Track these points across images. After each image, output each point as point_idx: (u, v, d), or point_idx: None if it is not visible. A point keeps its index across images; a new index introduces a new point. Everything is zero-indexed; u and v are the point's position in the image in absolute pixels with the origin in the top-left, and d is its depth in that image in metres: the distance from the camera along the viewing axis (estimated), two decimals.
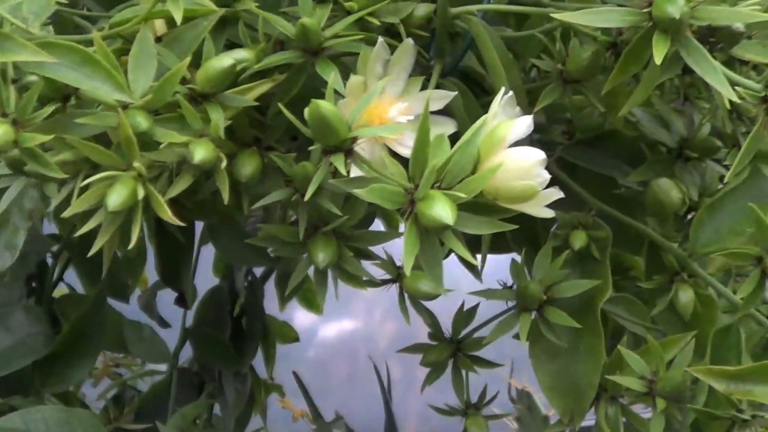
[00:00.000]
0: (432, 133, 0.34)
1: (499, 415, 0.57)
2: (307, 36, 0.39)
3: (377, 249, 0.44)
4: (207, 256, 0.77)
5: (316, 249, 0.41)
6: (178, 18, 0.37)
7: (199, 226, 0.64)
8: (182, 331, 0.71)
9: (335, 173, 0.35)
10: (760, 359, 0.54)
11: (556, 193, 0.37)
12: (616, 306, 0.50)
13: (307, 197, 0.36)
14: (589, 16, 0.36)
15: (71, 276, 0.72)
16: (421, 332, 0.52)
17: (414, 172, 0.34)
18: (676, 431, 0.46)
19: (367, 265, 0.44)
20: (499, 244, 0.52)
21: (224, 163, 0.38)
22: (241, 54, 0.40)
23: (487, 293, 0.47)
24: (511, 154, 0.35)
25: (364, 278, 0.43)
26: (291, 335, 0.89)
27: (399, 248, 0.34)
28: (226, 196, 0.38)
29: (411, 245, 0.34)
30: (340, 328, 1.29)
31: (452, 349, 0.52)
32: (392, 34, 0.42)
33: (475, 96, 0.46)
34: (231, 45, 0.42)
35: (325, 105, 0.34)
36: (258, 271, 0.76)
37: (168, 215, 0.36)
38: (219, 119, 0.38)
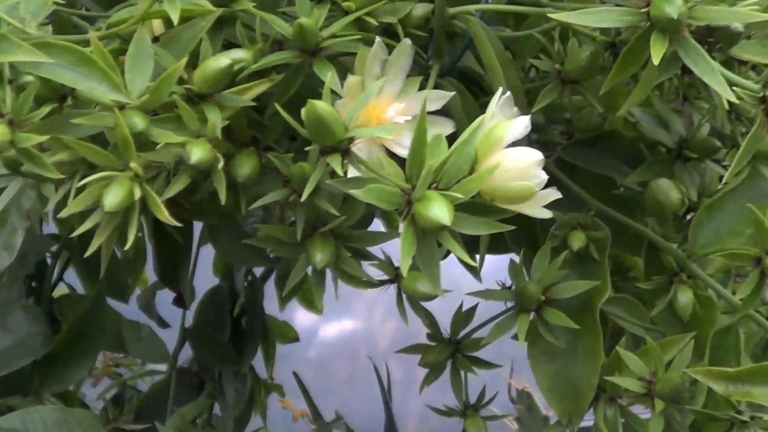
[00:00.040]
0: (430, 133, 0.34)
1: (499, 416, 0.57)
2: (305, 36, 0.39)
3: (375, 249, 0.44)
4: (207, 256, 0.77)
5: (314, 249, 0.41)
6: (175, 18, 0.37)
7: (198, 226, 0.63)
8: (181, 331, 0.71)
9: (333, 173, 0.35)
10: (760, 360, 0.54)
11: (554, 194, 0.37)
12: (615, 307, 0.50)
13: (303, 198, 0.36)
14: (586, 16, 0.36)
15: (72, 276, 0.72)
16: (421, 332, 0.52)
17: (411, 172, 0.34)
18: None
19: (366, 265, 0.44)
20: (497, 244, 0.52)
21: (221, 164, 0.38)
22: (238, 54, 0.39)
23: (486, 294, 0.47)
24: (509, 155, 0.35)
25: (363, 279, 0.43)
26: (291, 335, 0.89)
27: (397, 249, 0.34)
28: (223, 196, 0.38)
29: (408, 246, 0.33)
30: (340, 328, 1.29)
31: (451, 350, 0.51)
32: (390, 34, 0.42)
33: (474, 96, 0.46)
34: (229, 45, 0.42)
35: (321, 105, 0.33)
36: (258, 271, 0.76)
37: (165, 216, 0.36)
38: (216, 119, 0.38)
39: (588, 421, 0.48)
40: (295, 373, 0.91)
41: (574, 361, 0.47)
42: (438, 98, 0.42)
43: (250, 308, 0.76)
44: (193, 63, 0.39)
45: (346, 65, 0.42)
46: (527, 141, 0.40)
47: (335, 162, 0.34)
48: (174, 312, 0.74)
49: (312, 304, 0.87)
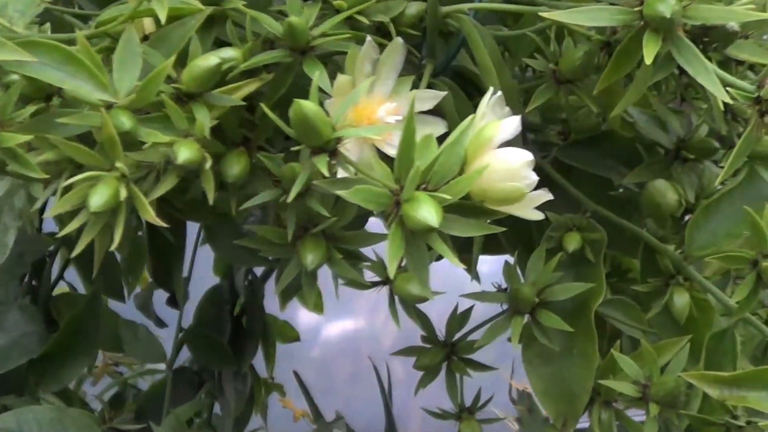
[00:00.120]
0: (422, 133, 0.34)
1: (496, 418, 0.56)
2: (294, 35, 0.38)
3: (369, 251, 0.44)
4: (207, 255, 0.76)
5: (305, 250, 0.41)
6: (163, 17, 0.37)
7: (192, 226, 0.63)
8: (177, 331, 0.70)
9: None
10: (760, 363, 0.54)
11: (545, 195, 0.36)
12: (612, 309, 0.50)
13: (290, 198, 0.36)
14: (578, 15, 0.35)
15: (73, 275, 0.72)
16: None
17: (399, 173, 0.33)
18: None
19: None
20: (492, 245, 0.51)
21: (209, 164, 0.37)
22: (228, 53, 0.39)
23: (480, 296, 0.47)
24: (499, 156, 0.35)
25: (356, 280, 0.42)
26: (291, 335, 0.89)
27: None
28: (211, 196, 0.38)
29: (396, 248, 0.33)
30: (343, 327, 1.28)
31: (446, 353, 0.51)
32: (383, 33, 0.42)
33: (470, 96, 0.45)
34: (222, 44, 0.41)
35: (308, 105, 0.33)
36: (259, 270, 0.76)
37: (151, 216, 0.36)
38: (204, 119, 0.37)
39: (583, 423, 0.47)
40: (295, 373, 0.91)
41: (569, 364, 0.46)
42: (430, 98, 0.42)
43: (250, 308, 0.75)
44: (183, 62, 0.39)
45: (340, 64, 0.42)
46: (522, 141, 0.40)
47: (321, 162, 0.34)
48: (173, 311, 0.73)
49: (312, 303, 0.87)
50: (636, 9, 0.35)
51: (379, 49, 0.41)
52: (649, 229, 0.50)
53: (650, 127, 0.49)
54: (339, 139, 0.34)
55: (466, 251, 0.53)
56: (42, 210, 0.57)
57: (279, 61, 0.39)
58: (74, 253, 0.36)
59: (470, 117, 0.35)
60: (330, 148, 0.34)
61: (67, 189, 0.36)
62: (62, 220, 0.63)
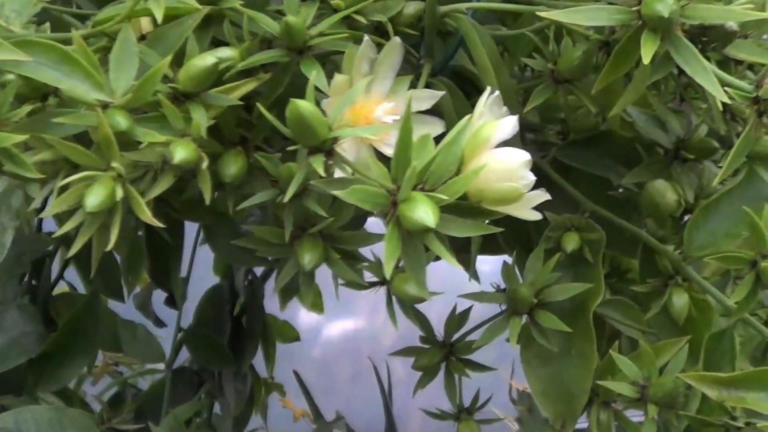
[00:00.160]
0: (419, 133, 0.34)
1: (494, 419, 0.56)
2: (292, 34, 0.38)
3: (366, 251, 0.44)
4: (207, 255, 0.76)
5: (303, 251, 0.41)
6: (159, 16, 0.37)
7: (191, 225, 0.63)
8: (176, 331, 0.70)
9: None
10: (760, 363, 0.53)
11: (543, 196, 0.36)
12: (611, 309, 0.50)
13: (286, 198, 0.35)
14: (576, 14, 0.35)
15: (73, 275, 0.72)
16: None
17: (396, 173, 0.33)
18: None
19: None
20: (490, 245, 0.51)
21: (206, 164, 0.37)
22: (225, 53, 0.39)
23: (478, 296, 0.46)
24: (496, 156, 0.35)
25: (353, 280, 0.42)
26: (291, 334, 0.89)
27: None
28: (207, 196, 0.38)
29: (392, 248, 0.33)
30: (344, 327, 1.28)
31: (444, 353, 0.51)
32: (381, 32, 0.42)
33: (468, 96, 0.45)
34: (219, 43, 0.41)
35: (304, 105, 0.33)
36: (258, 270, 0.76)
37: (147, 216, 0.36)
38: (201, 119, 0.37)
39: (582, 423, 0.47)
40: (295, 372, 0.91)
41: (568, 364, 0.46)
42: (428, 97, 0.41)
43: (250, 307, 0.75)
44: (181, 61, 0.39)
45: (339, 64, 0.41)
46: (521, 141, 0.39)
47: (317, 162, 0.33)
48: (173, 311, 0.73)
49: (313, 303, 0.87)
50: (634, 8, 0.35)
51: (377, 49, 0.41)
52: (649, 229, 0.50)
53: (650, 126, 0.48)
54: (335, 139, 0.34)
55: (464, 251, 0.53)
56: (41, 209, 0.57)
57: (276, 60, 0.39)
58: (70, 254, 0.36)
59: (467, 117, 0.34)
60: (326, 148, 0.34)
61: (64, 189, 0.36)
62: (62, 219, 0.63)
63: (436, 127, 0.42)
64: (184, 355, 0.74)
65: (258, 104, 0.36)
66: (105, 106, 0.35)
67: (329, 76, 0.40)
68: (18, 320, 0.60)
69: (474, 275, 0.59)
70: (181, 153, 0.36)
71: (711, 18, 0.35)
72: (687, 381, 0.40)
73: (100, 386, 0.84)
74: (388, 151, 0.39)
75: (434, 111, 0.42)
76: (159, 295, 0.76)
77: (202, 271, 0.77)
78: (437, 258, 0.42)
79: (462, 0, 0.42)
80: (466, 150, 0.35)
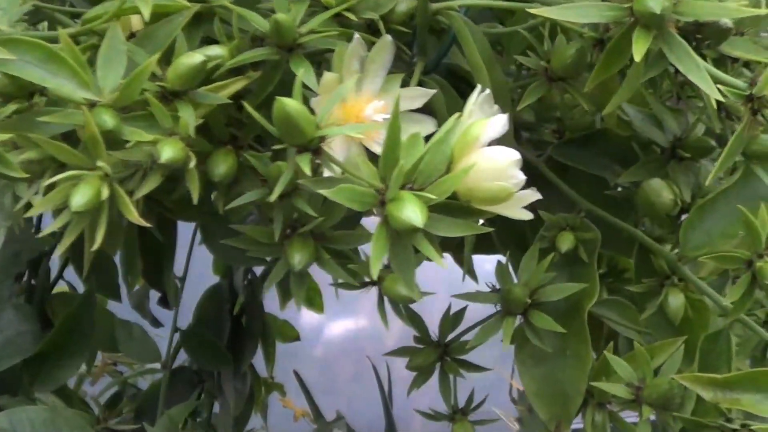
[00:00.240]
0: (410, 131, 0.33)
1: (491, 419, 0.56)
2: (281, 32, 0.38)
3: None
4: (206, 254, 0.76)
5: (293, 250, 0.40)
6: (146, 14, 0.36)
7: (187, 225, 0.63)
8: (173, 331, 0.70)
9: (314, 172, 0.34)
10: (760, 364, 0.53)
11: (533, 195, 0.36)
12: (607, 310, 0.49)
13: (272, 198, 0.35)
14: (568, 11, 0.35)
15: (73, 274, 0.72)
16: None
17: (385, 172, 0.33)
18: None
19: None
20: (484, 245, 0.51)
21: (193, 163, 0.37)
22: (214, 51, 0.39)
23: (472, 296, 0.46)
24: (485, 155, 0.34)
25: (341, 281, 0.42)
26: (291, 334, 0.89)
27: None
28: (195, 195, 0.37)
29: (379, 248, 0.33)
30: (345, 327, 1.28)
31: (439, 353, 0.50)
32: (374, 30, 0.41)
33: (463, 94, 0.45)
34: (210, 42, 0.41)
35: (290, 103, 0.33)
36: (258, 269, 0.75)
37: (134, 216, 0.35)
38: (189, 117, 0.37)
39: (577, 424, 0.47)
40: (295, 372, 0.90)
41: (562, 365, 0.46)
42: (420, 96, 0.41)
43: (249, 307, 0.75)
44: (170, 59, 0.38)
45: (331, 62, 0.41)
46: (517, 140, 0.39)
47: (304, 161, 0.33)
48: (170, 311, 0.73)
49: (313, 303, 0.87)
50: (626, 5, 0.35)
51: (369, 47, 0.41)
52: (646, 228, 0.49)
53: (646, 125, 0.48)
54: (323, 138, 0.34)
55: (461, 251, 0.53)
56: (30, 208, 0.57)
57: (266, 58, 0.39)
58: (57, 253, 0.36)
59: (456, 115, 0.34)
60: (313, 147, 0.34)
61: (51, 188, 0.36)
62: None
63: (427, 125, 0.41)
64: (184, 355, 0.74)
65: (246, 104, 0.36)
66: (92, 104, 0.35)
67: (321, 75, 0.39)
68: (13, 319, 0.60)
69: (470, 274, 0.58)
70: (168, 152, 0.36)
71: (704, 15, 0.35)
72: (682, 382, 0.39)
73: (101, 386, 0.84)
74: (379, 150, 0.39)
75: (426, 109, 0.42)
76: (157, 295, 0.76)
77: (200, 270, 0.77)
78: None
79: None
80: (456, 149, 0.34)
